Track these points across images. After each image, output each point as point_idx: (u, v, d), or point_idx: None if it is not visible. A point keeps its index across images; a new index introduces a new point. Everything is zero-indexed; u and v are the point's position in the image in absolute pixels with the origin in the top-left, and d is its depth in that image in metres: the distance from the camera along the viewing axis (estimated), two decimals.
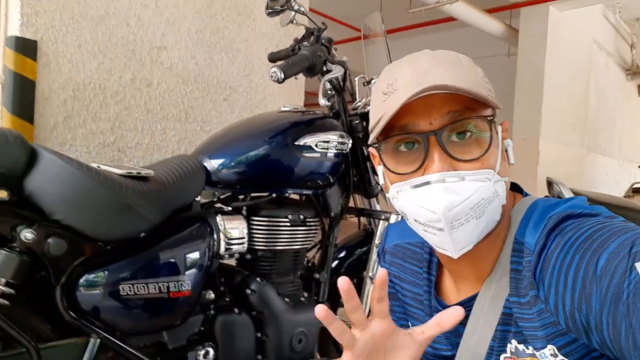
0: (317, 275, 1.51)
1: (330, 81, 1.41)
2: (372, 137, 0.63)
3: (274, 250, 1.34)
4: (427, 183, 0.58)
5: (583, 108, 5.58)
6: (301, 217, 1.38)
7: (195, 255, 1.12)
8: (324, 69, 1.40)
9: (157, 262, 1.05)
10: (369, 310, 1.54)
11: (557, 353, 0.57)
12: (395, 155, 0.63)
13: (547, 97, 4.67)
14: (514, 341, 0.62)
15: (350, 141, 1.43)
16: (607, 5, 5.68)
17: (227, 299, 1.27)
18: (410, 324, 0.79)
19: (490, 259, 0.65)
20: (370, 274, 1.50)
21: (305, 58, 1.32)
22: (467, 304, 0.66)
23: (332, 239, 1.53)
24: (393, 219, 1.44)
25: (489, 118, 0.60)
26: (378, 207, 1.64)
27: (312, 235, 1.43)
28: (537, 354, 0.59)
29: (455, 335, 0.69)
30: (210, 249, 1.17)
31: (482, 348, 0.65)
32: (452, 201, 0.57)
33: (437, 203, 0.57)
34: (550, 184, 2.49)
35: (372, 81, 1.55)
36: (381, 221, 1.52)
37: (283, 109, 1.46)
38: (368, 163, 1.59)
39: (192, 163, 1.21)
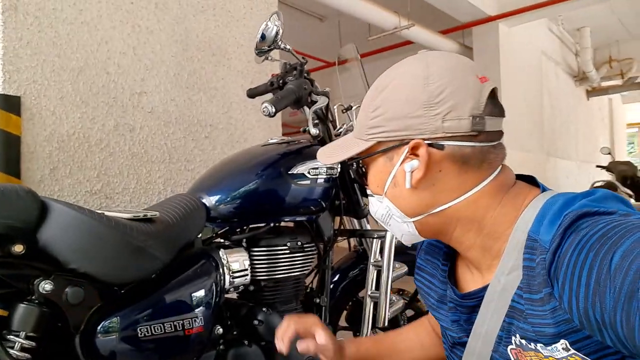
0: (317, 300, 1.55)
1: (314, 112, 1.48)
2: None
3: (276, 279, 1.37)
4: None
5: (539, 115, 5.87)
6: (299, 243, 1.42)
7: (204, 291, 1.14)
8: (310, 100, 1.47)
9: (169, 301, 1.07)
10: (370, 330, 1.58)
11: (569, 347, 0.58)
12: None
13: (505, 108, 4.88)
14: (517, 335, 0.64)
15: (339, 165, 1.50)
16: (550, 18, 6.07)
17: (234, 332, 1.29)
18: (435, 312, 0.84)
19: (492, 252, 0.68)
20: (369, 293, 1.55)
21: (292, 92, 1.38)
22: (478, 295, 0.70)
23: (328, 263, 1.57)
24: (389, 236, 1.50)
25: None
26: (368, 227, 1.70)
27: (309, 260, 1.47)
28: (548, 348, 0.60)
29: (467, 322, 0.73)
30: (218, 284, 1.20)
31: (490, 337, 0.68)
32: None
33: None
34: None
35: (353, 108, 1.64)
36: (374, 240, 1.58)
37: (270, 141, 1.52)
38: (356, 185, 1.65)
39: (192, 201, 1.24)
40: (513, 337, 0.65)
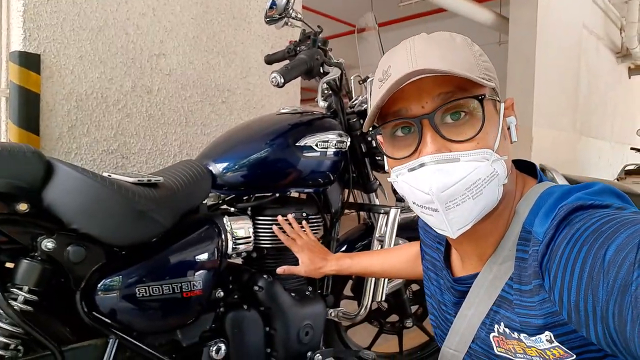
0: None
1: (327, 82, 1.46)
2: (365, 125, 0.66)
3: (279, 247, 1.40)
4: (422, 165, 0.59)
5: (574, 93, 5.64)
6: (304, 214, 1.44)
7: (205, 256, 1.18)
8: (322, 71, 1.45)
9: (169, 264, 1.10)
10: (372, 297, 1.60)
11: (553, 340, 0.57)
12: (393, 140, 0.65)
13: (538, 84, 4.72)
14: (502, 324, 0.64)
15: (349, 139, 1.49)
16: None
17: (235, 297, 1.33)
18: (426, 283, 0.87)
19: (492, 240, 0.66)
20: None
21: (303, 62, 1.36)
22: (468, 281, 0.71)
23: (334, 234, 1.58)
24: (393, 212, 1.50)
25: (480, 97, 0.59)
26: (377, 202, 1.70)
27: (314, 231, 1.49)
28: (532, 339, 0.60)
29: (456, 305, 0.75)
30: (219, 250, 1.23)
31: (475, 322, 0.69)
32: (445, 182, 0.58)
33: (431, 184, 0.58)
34: (543, 170, 2.56)
35: (368, 79, 1.60)
36: (381, 215, 1.58)
37: (282, 110, 1.51)
38: (367, 159, 1.64)
39: (198, 168, 1.26)
40: (497, 326, 0.65)
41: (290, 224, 1.32)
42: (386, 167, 0.69)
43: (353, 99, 1.69)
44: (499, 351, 0.66)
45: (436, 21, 5.32)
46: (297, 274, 1.24)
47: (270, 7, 1.39)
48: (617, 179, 5.30)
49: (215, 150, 1.37)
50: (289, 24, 1.57)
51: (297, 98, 2.48)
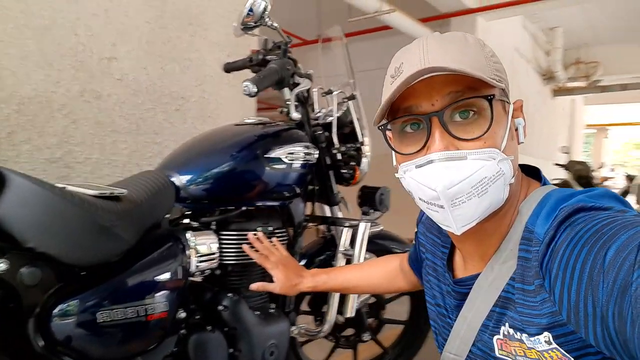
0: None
1: (296, 94, 1.43)
2: (375, 119, 0.66)
3: (244, 263, 1.34)
4: (430, 162, 0.60)
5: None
6: (269, 228, 1.39)
7: (169, 275, 1.10)
8: (292, 82, 1.42)
9: (133, 285, 1.02)
10: (336, 313, 1.57)
11: (552, 341, 0.58)
12: (401, 136, 0.66)
13: None
14: (507, 324, 0.64)
15: (317, 151, 1.47)
16: (526, 15, 6.14)
17: (197, 317, 1.26)
18: (431, 289, 0.85)
19: (495, 240, 0.67)
20: None
21: (275, 71, 1.33)
22: (469, 282, 0.71)
23: (297, 248, 1.55)
24: (362, 226, 1.49)
25: (489, 97, 0.60)
26: (340, 215, 1.68)
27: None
28: (531, 339, 0.60)
29: (457, 308, 0.74)
30: (184, 268, 1.15)
31: (476, 323, 0.69)
32: (451, 179, 0.59)
33: (437, 181, 0.59)
34: None
35: (334, 92, 1.60)
36: (345, 228, 1.56)
37: (246, 121, 1.47)
38: (331, 172, 1.63)
39: (162, 179, 1.19)
40: (502, 327, 0.65)
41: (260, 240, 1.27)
42: (394, 163, 0.70)
43: (316, 111, 1.67)
44: (500, 354, 0.65)
45: (383, 38, 5.45)
46: (272, 292, 1.19)
47: (247, 14, 1.34)
48: None
49: (178, 160, 1.30)
50: (249, 32, 1.54)
51: (254, 108, 2.43)
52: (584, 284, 0.52)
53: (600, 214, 0.56)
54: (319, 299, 1.85)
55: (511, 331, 0.63)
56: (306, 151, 1.43)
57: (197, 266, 1.21)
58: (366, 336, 1.81)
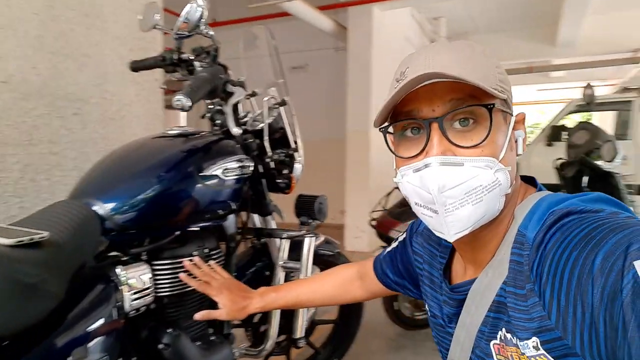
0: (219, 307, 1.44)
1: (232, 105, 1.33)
2: (376, 121, 0.66)
3: (181, 293, 1.23)
4: (427, 166, 0.61)
5: None
6: (206, 250, 1.29)
7: (105, 322, 0.97)
8: (225, 91, 1.31)
9: (66, 344, 0.87)
10: (277, 329, 1.52)
11: (539, 346, 0.58)
12: (401, 140, 0.67)
13: (374, 90, 5.12)
14: (503, 329, 0.64)
15: (252, 163, 1.38)
16: (413, 6, 6.44)
17: (133, 359, 1.13)
18: (427, 300, 0.85)
19: (492, 247, 0.68)
20: None
21: (207, 81, 1.21)
22: (465, 288, 0.71)
23: (232, 265, 1.46)
24: (308, 241, 1.44)
25: (489, 106, 0.61)
26: (274, 225, 1.62)
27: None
28: (520, 344, 0.60)
29: (456, 316, 0.74)
30: (119, 309, 1.02)
31: (473, 329, 0.69)
32: (444, 183, 0.60)
33: (432, 184, 0.60)
34: None
35: (265, 98, 1.51)
36: (282, 240, 1.51)
37: (170, 132, 1.33)
38: (263, 181, 1.55)
39: (84, 211, 1.03)
40: (499, 332, 0.65)
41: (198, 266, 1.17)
42: (393, 166, 0.70)
43: (242, 115, 1.57)
44: (498, 359, 0.66)
45: (282, 22, 5.35)
46: (219, 319, 1.10)
47: (184, 22, 1.20)
48: None
49: (98, 184, 1.14)
50: (158, 27, 1.40)
51: (161, 107, 2.23)
52: (572, 289, 0.52)
53: (589, 217, 0.57)
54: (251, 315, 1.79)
55: (508, 335, 0.63)
56: (242, 164, 1.34)
57: (132, 304, 1.08)
58: (301, 342, 1.79)
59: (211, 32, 1.27)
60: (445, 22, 7.34)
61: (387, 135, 0.70)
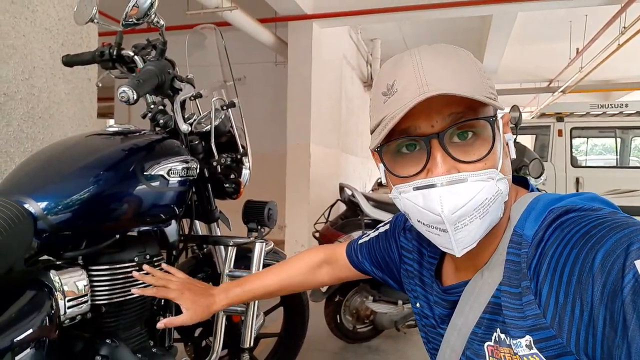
0: (161, 318, 1.34)
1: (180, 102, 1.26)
2: (374, 143, 0.62)
3: (120, 302, 1.13)
4: (432, 185, 0.59)
5: (338, 114, 6.38)
6: (147, 256, 1.20)
7: (37, 332, 0.86)
8: (172, 86, 1.24)
9: None
10: (221, 343, 1.45)
11: (532, 345, 0.57)
12: (397, 157, 0.63)
13: (313, 105, 5.17)
14: (498, 330, 0.63)
15: (198, 165, 1.32)
16: (351, 26, 6.62)
17: None
18: (417, 300, 0.82)
19: (489, 250, 0.67)
20: None
21: (154, 75, 1.14)
22: (458, 289, 0.70)
23: None
24: (259, 246, 1.38)
25: (491, 119, 0.60)
26: (219, 232, 1.55)
27: None
28: (513, 342, 0.60)
29: (448, 317, 0.73)
30: (54, 317, 0.92)
31: (466, 330, 0.67)
32: (455, 204, 0.58)
33: (442, 206, 0.58)
34: (342, 188, 2.80)
35: (213, 99, 1.45)
36: (230, 247, 1.44)
37: (110, 129, 1.24)
38: (209, 185, 1.48)
39: (14, 208, 0.92)
40: (494, 333, 0.64)
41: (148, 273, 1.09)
42: (383, 181, 0.67)
43: (188, 118, 1.50)
44: None
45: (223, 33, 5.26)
46: (184, 324, 1.01)
47: (132, 8, 1.12)
48: (372, 190, 6.19)
49: (31, 181, 1.03)
50: (95, 20, 1.32)
51: (94, 107, 2.09)
52: (572, 287, 0.52)
53: (589, 215, 0.56)
54: (189, 325, 1.69)
55: (502, 336, 0.62)
56: (187, 165, 1.27)
57: (67, 312, 0.98)
58: (245, 357, 1.72)
59: (162, 22, 1.21)
60: (380, 43, 7.61)
61: (376, 153, 0.66)
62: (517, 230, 0.63)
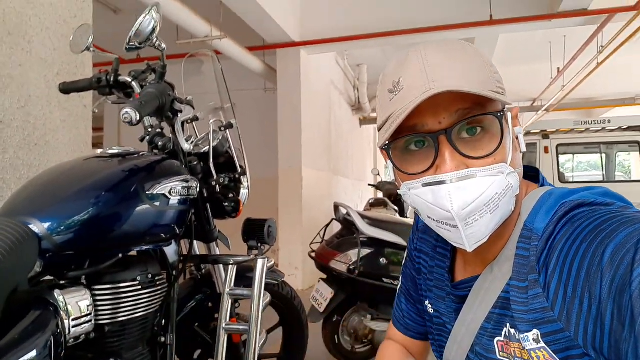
0: (162, 339, 1.33)
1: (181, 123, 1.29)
2: (381, 140, 0.62)
3: (122, 321, 1.13)
4: (441, 182, 0.58)
5: (327, 138, 6.46)
6: (149, 276, 1.21)
7: (46, 350, 0.86)
8: (172, 108, 1.27)
9: None
10: None
11: (540, 339, 0.57)
12: (405, 154, 0.63)
13: (304, 129, 5.23)
14: (508, 325, 0.63)
15: (198, 184, 1.33)
16: (338, 52, 6.77)
17: None
18: (427, 298, 0.81)
19: (499, 245, 0.66)
20: (224, 325, 1.41)
21: (155, 97, 1.17)
22: (468, 284, 0.69)
23: (174, 294, 1.37)
24: (260, 263, 1.39)
25: (499, 114, 0.59)
26: (218, 252, 1.56)
27: (159, 294, 1.26)
28: (521, 337, 0.59)
29: (457, 312, 0.72)
30: (59, 337, 0.92)
31: (475, 325, 0.67)
32: (465, 200, 0.57)
33: (451, 202, 0.57)
34: (336, 207, 2.82)
35: (211, 121, 1.48)
36: (230, 266, 1.45)
37: (110, 151, 1.26)
38: (208, 205, 1.50)
39: (19, 228, 0.93)
40: (504, 328, 0.64)
41: None
42: (392, 178, 0.66)
43: (186, 139, 1.53)
44: (501, 356, 0.64)
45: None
46: None
47: (135, 35, 1.16)
48: (365, 209, 6.21)
49: (34, 202, 1.04)
50: (91, 49, 1.37)
51: (89, 134, 2.11)
52: (581, 280, 0.52)
53: (600, 210, 0.56)
54: (188, 346, 1.68)
55: (512, 331, 0.62)
56: (187, 185, 1.29)
57: (70, 332, 0.98)
58: None
59: (163, 45, 1.25)
60: (367, 68, 7.77)
61: (384, 150, 0.65)
62: (528, 225, 0.63)
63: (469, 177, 0.58)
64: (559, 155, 5.64)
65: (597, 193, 0.62)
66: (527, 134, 5.95)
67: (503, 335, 0.64)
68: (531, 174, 0.73)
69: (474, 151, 0.59)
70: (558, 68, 7.14)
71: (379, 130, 0.64)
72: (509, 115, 0.63)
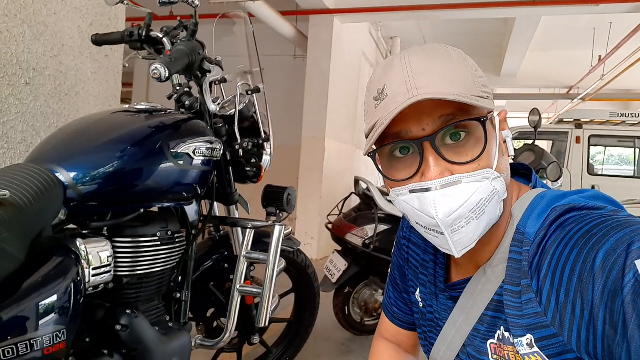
0: (177, 295, 1.37)
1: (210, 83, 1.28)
2: (366, 148, 0.62)
3: (141, 274, 1.16)
4: (427, 190, 0.58)
5: (353, 111, 6.38)
6: (169, 233, 1.23)
7: (67, 296, 0.89)
8: (201, 68, 1.27)
9: (24, 314, 0.79)
10: (235, 324, 1.46)
11: (534, 344, 0.57)
12: (392, 161, 0.63)
13: (331, 100, 5.17)
14: (502, 328, 0.63)
15: (222, 147, 1.34)
16: (372, 23, 6.61)
17: (87, 340, 1.04)
18: (417, 290, 0.81)
19: (490, 248, 0.66)
20: (238, 287, 1.43)
21: (185, 54, 1.16)
22: (460, 286, 0.70)
23: (191, 253, 1.40)
24: (278, 230, 1.40)
25: (482, 119, 0.59)
26: (237, 215, 1.57)
27: (177, 251, 1.28)
28: (515, 341, 0.60)
29: (449, 311, 0.72)
30: (79, 284, 0.94)
31: (466, 327, 0.67)
32: (450, 207, 0.57)
33: (436, 209, 0.57)
34: (357, 181, 2.80)
35: (239, 83, 1.47)
36: (248, 230, 1.46)
37: (138, 106, 1.27)
38: (230, 168, 1.50)
39: (46, 175, 0.94)
40: (497, 331, 0.64)
41: None
42: (382, 183, 0.65)
43: (213, 100, 1.53)
44: (494, 358, 0.65)
45: (240, 23, 5.29)
46: None
47: None
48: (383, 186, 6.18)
49: (62, 151, 1.06)
50: (125, 2, 1.36)
51: (118, 88, 2.12)
52: (573, 285, 0.52)
53: (591, 214, 0.56)
54: (203, 305, 1.72)
55: (506, 334, 0.62)
56: (211, 146, 1.29)
57: (90, 281, 1.00)
58: (256, 339, 1.74)
59: (197, 2, 1.23)
60: (400, 42, 7.58)
61: (374, 157, 0.65)
62: (520, 229, 0.63)
63: (453, 183, 0.58)
64: (591, 147, 5.46)
65: (587, 196, 0.62)
66: (560, 122, 5.76)
67: (496, 338, 0.64)
68: (523, 172, 0.73)
69: (458, 157, 0.59)
70: (600, 56, 6.84)
71: (366, 138, 0.63)
72: (496, 119, 0.62)
